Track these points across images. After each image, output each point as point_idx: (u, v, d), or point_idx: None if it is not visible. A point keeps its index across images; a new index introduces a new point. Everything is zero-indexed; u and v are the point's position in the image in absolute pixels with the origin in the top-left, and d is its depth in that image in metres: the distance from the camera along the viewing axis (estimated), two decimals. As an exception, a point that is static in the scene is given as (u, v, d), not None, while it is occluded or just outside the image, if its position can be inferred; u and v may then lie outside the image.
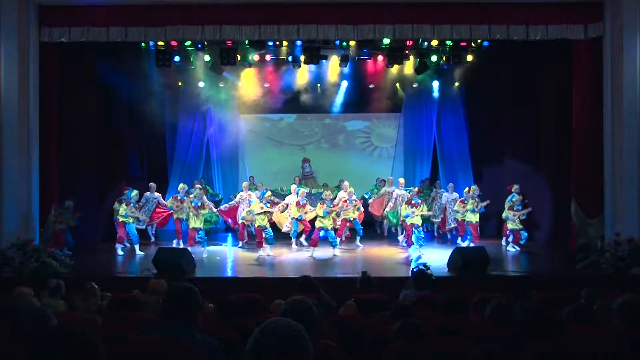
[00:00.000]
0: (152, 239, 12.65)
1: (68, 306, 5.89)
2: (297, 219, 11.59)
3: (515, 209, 11.64)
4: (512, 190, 11.82)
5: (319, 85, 14.80)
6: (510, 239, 11.72)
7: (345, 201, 11.69)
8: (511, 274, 9.62)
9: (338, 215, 11.52)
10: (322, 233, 11.28)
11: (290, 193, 12.52)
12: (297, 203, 11.66)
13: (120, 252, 11.27)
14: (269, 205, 11.36)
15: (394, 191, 12.88)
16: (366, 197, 13.69)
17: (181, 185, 12.13)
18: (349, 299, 5.60)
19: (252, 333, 1.97)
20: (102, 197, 12.30)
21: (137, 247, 11.27)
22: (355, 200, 11.90)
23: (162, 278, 6.55)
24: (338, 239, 11.31)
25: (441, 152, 14.82)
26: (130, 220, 11.25)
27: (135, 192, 11.51)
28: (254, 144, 15.69)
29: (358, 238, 12.07)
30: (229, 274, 10.04)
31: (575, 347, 3.17)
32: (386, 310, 4.87)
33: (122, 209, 11.29)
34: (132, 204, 11.33)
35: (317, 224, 11.25)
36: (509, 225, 11.67)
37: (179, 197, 11.92)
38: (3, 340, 3.21)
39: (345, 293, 6.19)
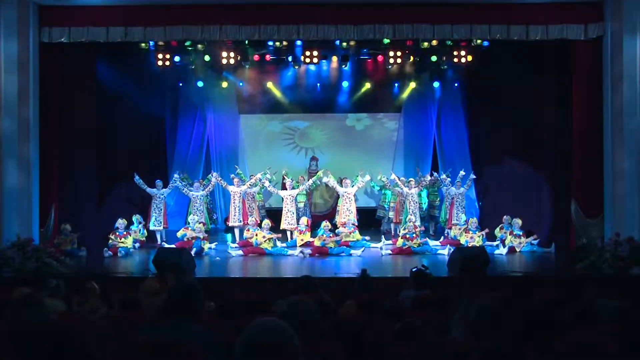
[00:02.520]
0: (160, 241, 12.49)
1: (68, 306, 5.89)
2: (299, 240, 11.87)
3: (515, 233, 11.55)
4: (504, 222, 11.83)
5: (318, 85, 14.83)
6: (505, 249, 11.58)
7: (343, 225, 11.80)
8: (511, 274, 9.61)
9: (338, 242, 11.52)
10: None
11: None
12: (297, 229, 11.93)
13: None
14: (271, 234, 11.41)
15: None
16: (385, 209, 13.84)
17: (196, 221, 11.92)
18: (349, 299, 5.60)
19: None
20: (102, 198, 12.29)
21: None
22: (355, 227, 11.94)
23: (162, 278, 6.56)
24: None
25: (441, 152, 14.81)
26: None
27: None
28: (254, 144, 15.68)
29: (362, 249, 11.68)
30: (229, 274, 10.03)
31: (575, 347, 3.17)
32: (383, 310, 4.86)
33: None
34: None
35: (317, 242, 11.40)
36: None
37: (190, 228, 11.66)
38: (3, 340, 3.21)
39: (345, 293, 6.18)
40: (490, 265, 9.53)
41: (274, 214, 13.22)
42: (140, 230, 11.82)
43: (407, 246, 11.25)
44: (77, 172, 11.41)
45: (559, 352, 3.03)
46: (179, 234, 11.54)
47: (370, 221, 14.09)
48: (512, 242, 11.42)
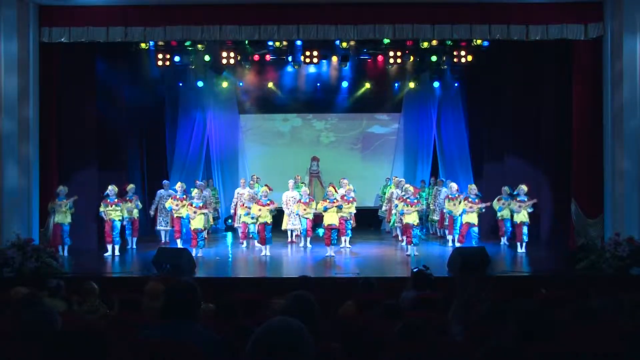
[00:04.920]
0: (163, 240, 12.53)
1: (68, 306, 5.89)
2: (305, 217, 11.77)
3: (519, 199, 11.39)
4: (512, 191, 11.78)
5: (318, 85, 14.84)
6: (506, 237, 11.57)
7: (342, 197, 11.54)
8: (511, 274, 9.61)
9: (340, 208, 11.25)
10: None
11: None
12: (300, 202, 11.77)
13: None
14: (269, 202, 11.22)
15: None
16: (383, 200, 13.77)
17: (179, 184, 12.04)
18: (349, 299, 5.59)
19: (251, 333, 1.96)
20: (102, 198, 12.27)
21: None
22: (353, 199, 11.60)
23: (162, 278, 6.55)
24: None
25: (441, 152, 14.84)
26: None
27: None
28: (254, 144, 15.69)
29: (347, 239, 11.71)
30: (229, 274, 10.03)
31: (575, 347, 3.17)
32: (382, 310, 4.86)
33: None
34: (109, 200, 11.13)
35: (326, 221, 11.15)
36: (516, 218, 11.35)
37: (177, 197, 11.71)
38: (7, 340, 3.21)
39: (345, 293, 6.18)
40: (490, 265, 9.54)
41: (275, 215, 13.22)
42: (135, 204, 11.63)
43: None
44: (77, 172, 11.40)
45: (558, 352, 3.03)
46: None
47: (370, 221, 14.11)
48: (513, 207, 11.34)
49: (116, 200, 11.11)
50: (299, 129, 15.76)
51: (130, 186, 11.80)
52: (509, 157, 13.05)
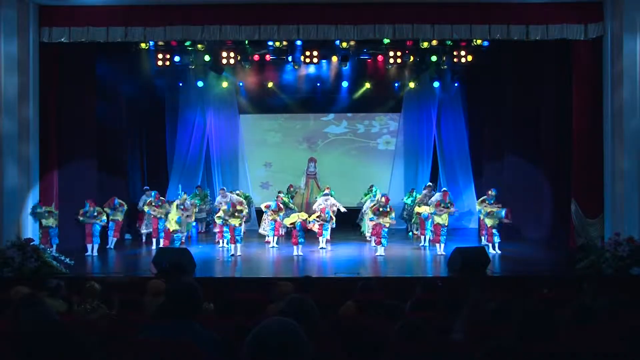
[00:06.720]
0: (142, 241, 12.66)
1: (68, 306, 5.89)
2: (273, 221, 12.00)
3: (487, 202, 11.34)
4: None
5: (318, 85, 14.83)
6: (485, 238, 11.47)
7: (323, 209, 11.64)
8: (511, 274, 9.60)
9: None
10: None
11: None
12: (268, 207, 12.05)
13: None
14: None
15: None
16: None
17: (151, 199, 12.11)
18: (349, 299, 5.59)
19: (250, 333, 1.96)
20: (101, 197, 12.28)
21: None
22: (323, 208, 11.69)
23: (162, 278, 6.55)
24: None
25: (441, 152, 14.83)
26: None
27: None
28: (254, 144, 15.68)
29: (323, 240, 11.72)
30: (229, 274, 10.02)
31: (575, 347, 3.17)
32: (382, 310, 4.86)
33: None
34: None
35: (287, 220, 11.39)
36: (487, 222, 11.31)
37: (152, 202, 11.83)
38: (7, 340, 3.21)
39: (345, 293, 6.17)
40: (490, 265, 9.54)
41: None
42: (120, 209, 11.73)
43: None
44: (77, 172, 11.41)
45: (558, 352, 3.03)
46: None
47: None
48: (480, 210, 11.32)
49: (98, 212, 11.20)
50: (297, 128, 15.74)
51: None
52: (509, 157, 13.05)
